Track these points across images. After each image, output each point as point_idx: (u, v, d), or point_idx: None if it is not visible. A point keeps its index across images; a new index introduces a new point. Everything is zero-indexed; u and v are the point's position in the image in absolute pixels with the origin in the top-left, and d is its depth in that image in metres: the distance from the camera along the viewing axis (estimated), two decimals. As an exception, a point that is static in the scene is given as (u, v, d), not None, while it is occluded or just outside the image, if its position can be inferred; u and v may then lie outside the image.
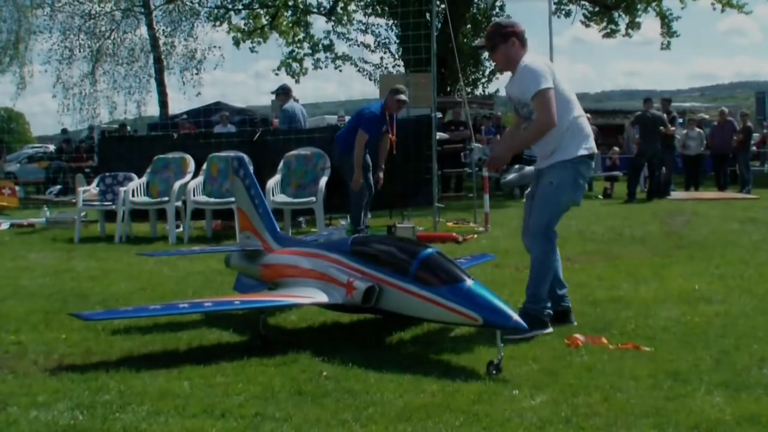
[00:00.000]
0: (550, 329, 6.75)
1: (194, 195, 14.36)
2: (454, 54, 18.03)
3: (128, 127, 29.88)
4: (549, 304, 6.90)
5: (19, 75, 40.74)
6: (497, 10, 43.61)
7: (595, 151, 7.09)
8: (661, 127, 21.09)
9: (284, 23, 36.84)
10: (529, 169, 23.60)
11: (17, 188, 24.63)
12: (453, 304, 5.77)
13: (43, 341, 6.73)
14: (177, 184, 14.42)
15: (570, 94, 6.98)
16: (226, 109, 29.01)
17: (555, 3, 35.80)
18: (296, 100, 18.47)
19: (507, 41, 6.91)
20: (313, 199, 13.86)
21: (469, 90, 37.01)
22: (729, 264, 9.75)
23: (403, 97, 12.86)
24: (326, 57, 38.44)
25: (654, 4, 35.40)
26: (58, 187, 24.85)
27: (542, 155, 7.02)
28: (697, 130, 25.79)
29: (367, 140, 12.82)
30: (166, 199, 14.37)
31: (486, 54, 44.08)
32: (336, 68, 39.38)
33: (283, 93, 17.37)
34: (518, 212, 10.33)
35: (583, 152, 6.88)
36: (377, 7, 38.51)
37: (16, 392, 5.36)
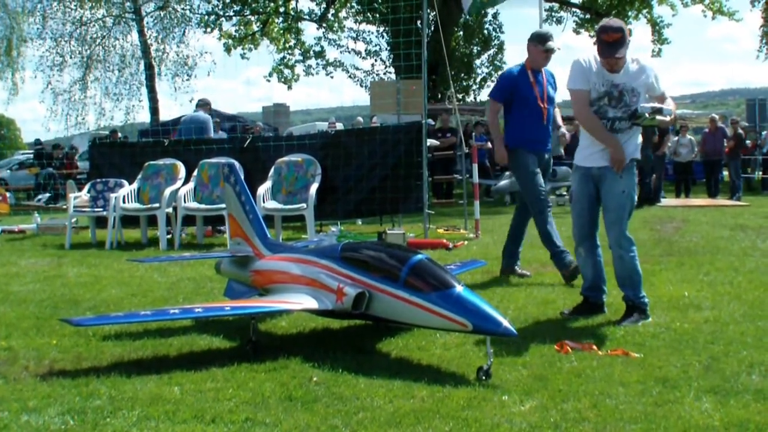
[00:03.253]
0: (650, 318, 7.33)
1: (185, 201, 14.35)
2: (445, 61, 18.05)
3: (119, 134, 29.82)
4: (646, 296, 7.48)
5: (11, 81, 40.75)
6: (490, 18, 43.82)
7: None
8: (653, 137, 21.10)
9: (275, 30, 36.89)
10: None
11: (8, 194, 24.59)
12: (443, 310, 5.78)
13: (34, 347, 6.74)
14: (168, 191, 14.42)
15: None
16: (217, 116, 29.01)
17: (546, 10, 35.87)
18: (212, 114, 18.83)
19: (624, 45, 7.26)
20: (304, 205, 13.85)
21: (460, 97, 37.07)
22: (719, 271, 9.78)
23: (551, 44, 9.97)
24: (317, 63, 38.52)
25: (645, 11, 35.60)
26: (47, 195, 24.79)
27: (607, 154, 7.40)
28: (689, 136, 25.87)
29: (499, 110, 10.17)
30: (157, 205, 14.38)
31: (478, 61, 44.32)
32: (327, 75, 39.49)
33: (203, 105, 17.72)
34: (508, 219, 10.37)
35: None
36: (368, 14, 38.58)
37: (7, 397, 5.36)
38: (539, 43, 9.82)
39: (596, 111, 7.34)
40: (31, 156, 37.51)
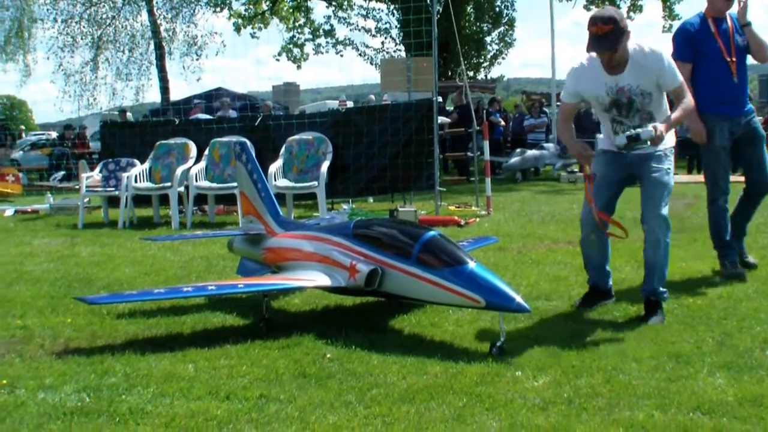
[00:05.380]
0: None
1: (196, 180, 14.38)
2: (456, 38, 17.99)
3: (128, 114, 29.84)
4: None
5: (23, 63, 40.85)
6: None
7: None
8: None
9: (285, 8, 36.79)
10: (531, 153, 23.58)
11: (21, 175, 24.65)
12: (456, 287, 5.78)
13: (49, 325, 6.78)
14: (179, 170, 14.45)
15: None
16: (227, 95, 28.99)
17: (557, -13, 35.74)
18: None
19: (622, 36, 6.46)
20: (315, 183, 13.85)
21: (470, 74, 36.95)
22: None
23: None
24: (327, 42, 38.43)
25: (656, -14, 35.33)
26: (62, 173, 24.85)
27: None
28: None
29: (691, 71, 8.27)
30: (169, 184, 14.40)
31: (489, 39, 44.13)
32: (337, 53, 39.39)
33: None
34: (520, 196, 10.35)
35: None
36: (378, -8, 38.46)
37: (24, 375, 5.40)
38: None
39: (615, 122, 6.81)
40: (50, 136, 37.66)
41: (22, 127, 36.78)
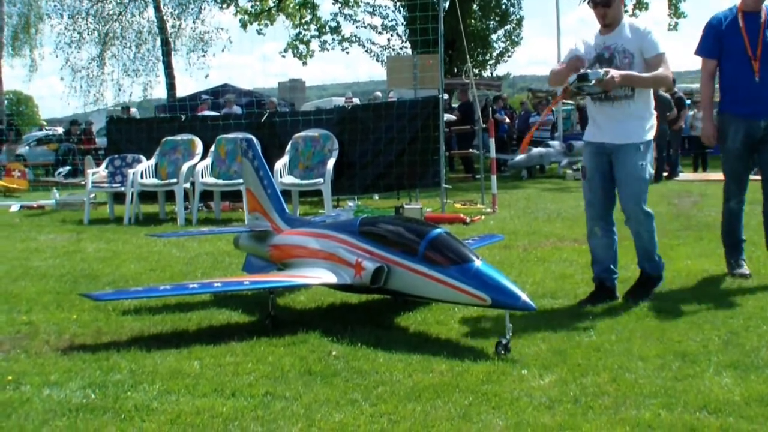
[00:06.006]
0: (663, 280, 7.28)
1: (202, 177, 14.38)
2: (462, 35, 17.97)
3: (132, 110, 29.90)
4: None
5: (29, 58, 40.96)
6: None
7: None
8: (668, 113, 20.92)
9: (291, 5, 36.75)
10: (536, 150, 23.57)
11: (27, 170, 24.69)
12: (462, 285, 5.78)
13: (54, 321, 6.79)
14: (185, 166, 14.46)
15: None
16: (234, 91, 29.02)
17: (563, -16, 35.68)
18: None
19: None
20: (321, 180, 13.87)
21: (476, 72, 36.95)
22: (737, 245, 9.73)
23: None
24: (333, 39, 38.39)
25: (661, -16, 35.25)
26: (68, 168, 24.90)
27: (627, 128, 7.01)
28: (704, 110, 25.67)
29: (715, 68, 8.03)
30: (175, 180, 14.41)
31: (494, 36, 44.17)
32: (343, 50, 39.32)
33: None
34: (525, 194, 10.33)
35: (655, 126, 7.14)
36: (384, -12, 38.45)
37: (29, 371, 5.41)
38: None
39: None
40: (56, 131, 37.71)
41: (44, 122, 36.86)
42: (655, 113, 7.19)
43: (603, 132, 7.12)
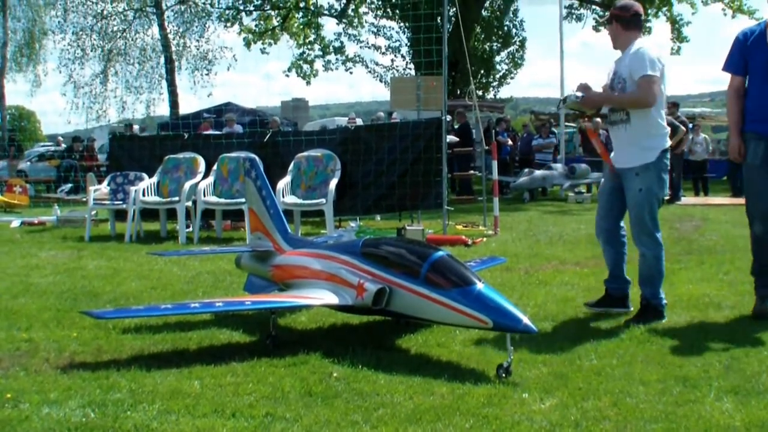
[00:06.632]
0: (665, 319, 7.26)
1: (204, 195, 14.39)
2: (466, 57, 18.02)
3: (135, 127, 29.93)
4: (664, 297, 7.41)
5: (33, 74, 41.09)
6: (511, 14, 43.81)
7: (669, 144, 7.43)
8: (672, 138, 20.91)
9: (295, 25, 36.88)
10: (539, 173, 23.65)
11: (28, 186, 24.69)
12: (463, 307, 5.77)
13: (54, 339, 6.77)
14: (187, 185, 14.46)
15: (665, 98, 7.43)
16: (237, 110, 29.06)
17: (566, 7, 35.88)
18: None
19: (611, 23, 7.54)
20: (323, 200, 13.87)
21: (479, 94, 37.03)
22: (739, 270, 9.69)
23: None
24: (337, 59, 38.52)
25: (665, 9, 35.41)
26: (69, 185, 24.90)
27: (625, 153, 7.34)
28: (703, 135, 25.74)
29: (742, 85, 7.68)
30: (177, 199, 14.42)
31: (498, 58, 44.34)
32: (347, 70, 39.47)
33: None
34: (527, 216, 10.33)
35: (662, 147, 7.26)
36: (388, 10, 38.58)
37: (28, 389, 5.39)
38: None
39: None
40: (51, 148, 37.71)
41: (60, 137, 36.97)
42: (662, 134, 7.28)
43: (614, 154, 7.53)
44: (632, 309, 7.56)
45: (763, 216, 7.45)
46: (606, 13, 7.47)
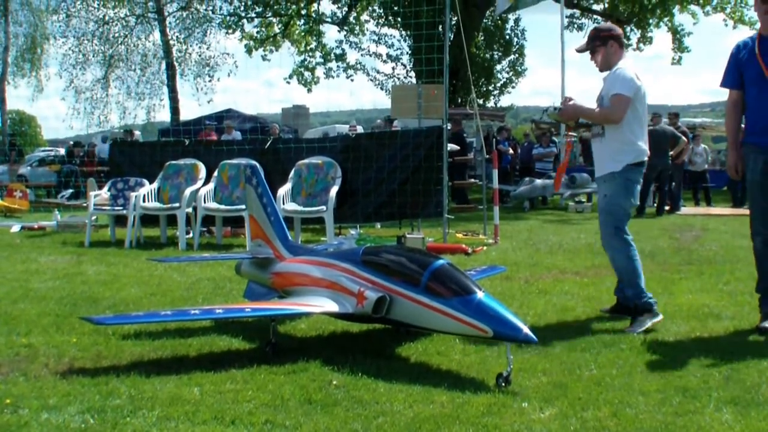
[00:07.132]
0: (661, 316, 7.44)
1: (205, 201, 14.39)
2: (467, 65, 18.04)
3: (137, 133, 29.95)
4: (650, 295, 7.56)
5: (35, 79, 41.14)
6: (512, 23, 43.85)
7: (644, 159, 7.65)
8: (673, 147, 20.91)
9: (297, 32, 36.97)
10: (539, 182, 23.64)
11: (28, 191, 24.69)
12: (463, 316, 5.77)
13: (53, 344, 6.76)
14: (188, 191, 14.47)
15: (642, 115, 7.70)
16: (238, 117, 29.09)
17: (567, 17, 35.91)
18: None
19: (606, 44, 7.70)
20: (324, 208, 13.87)
21: (480, 102, 37.06)
22: (739, 280, 9.71)
23: None
24: (338, 66, 38.57)
25: (666, 19, 35.52)
26: (70, 191, 24.91)
27: (599, 163, 7.80)
28: (703, 145, 25.77)
29: (740, 98, 7.59)
30: (177, 205, 14.42)
31: (499, 66, 44.38)
32: (348, 77, 39.52)
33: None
34: (527, 225, 10.34)
35: (628, 161, 7.53)
36: (389, 18, 38.63)
37: (27, 395, 5.38)
38: (763, 1, 7.17)
39: None
40: (58, 152, 37.72)
41: (71, 142, 37.02)
42: (632, 150, 7.55)
43: (594, 164, 7.96)
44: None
45: (760, 232, 7.34)
46: (592, 38, 7.81)
